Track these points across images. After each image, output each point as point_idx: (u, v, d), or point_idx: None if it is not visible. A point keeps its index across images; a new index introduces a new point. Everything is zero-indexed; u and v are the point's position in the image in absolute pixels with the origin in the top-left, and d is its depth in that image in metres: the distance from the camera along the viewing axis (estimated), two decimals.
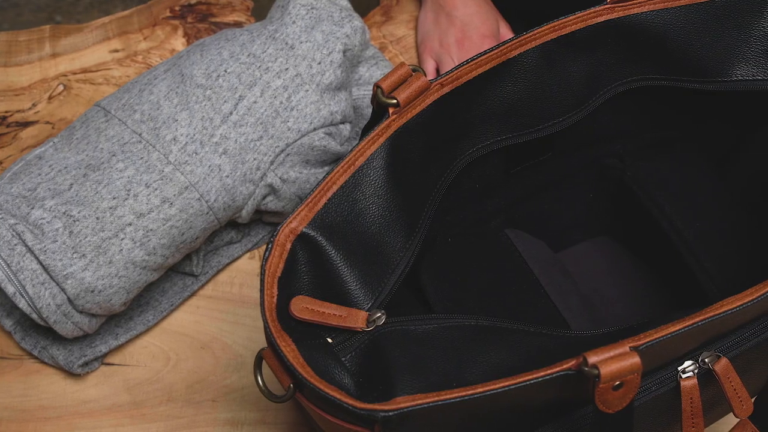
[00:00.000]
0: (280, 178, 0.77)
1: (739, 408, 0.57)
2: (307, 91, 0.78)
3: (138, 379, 0.77)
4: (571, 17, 0.62)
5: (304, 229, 0.53)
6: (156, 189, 0.72)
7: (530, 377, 0.47)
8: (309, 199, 0.53)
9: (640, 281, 0.74)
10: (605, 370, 0.46)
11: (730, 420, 0.72)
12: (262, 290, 0.51)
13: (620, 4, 0.62)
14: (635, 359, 0.47)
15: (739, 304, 0.50)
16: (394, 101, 0.56)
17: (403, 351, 0.51)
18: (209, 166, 0.73)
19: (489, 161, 0.65)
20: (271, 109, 0.76)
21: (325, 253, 0.53)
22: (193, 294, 0.81)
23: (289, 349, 0.49)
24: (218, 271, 0.81)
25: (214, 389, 0.76)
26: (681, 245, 0.70)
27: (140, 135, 0.73)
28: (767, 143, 0.72)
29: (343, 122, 0.79)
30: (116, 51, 0.91)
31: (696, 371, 0.55)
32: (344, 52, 0.80)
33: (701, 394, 0.56)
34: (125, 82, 0.89)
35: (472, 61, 0.59)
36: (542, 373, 0.47)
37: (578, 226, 0.76)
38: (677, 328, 0.49)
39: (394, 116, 0.56)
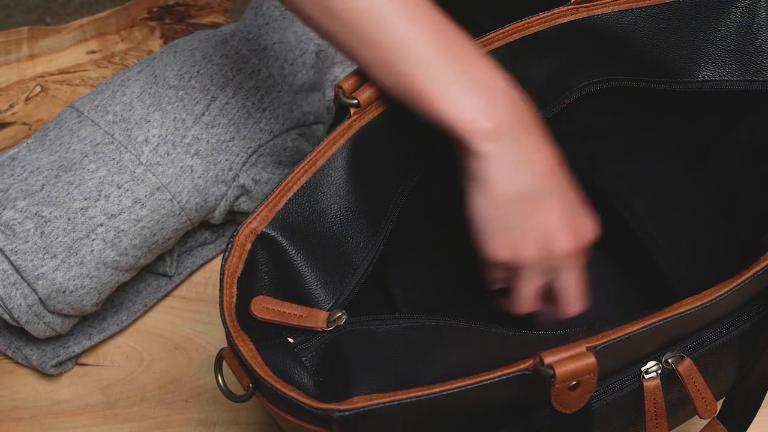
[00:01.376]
0: (252, 179, 0.77)
1: (703, 409, 0.57)
2: (280, 92, 0.78)
3: (111, 379, 0.77)
4: (535, 18, 0.62)
5: (264, 230, 0.53)
6: (127, 190, 0.72)
7: (487, 377, 0.47)
8: (269, 200, 0.53)
9: (608, 281, 0.74)
10: (560, 371, 0.46)
11: (701, 420, 0.72)
12: (221, 290, 0.51)
13: (584, 5, 0.62)
14: (591, 360, 0.47)
15: (697, 304, 0.50)
16: (355, 101, 0.56)
17: (363, 351, 0.51)
18: (181, 167, 0.73)
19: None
20: (243, 110, 0.76)
21: (286, 253, 0.53)
22: (167, 294, 0.81)
23: (247, 348, 0.49)
24: (192, 272, 0.82)
25: (188, 389, 0.76)
26: (650, 245, 0.70)
27: (112, 136, 0.73)
28: (738, 145, 0.72)
29: (316, 123, 0.80)
30: (93, 52, 0.92)
31: (659, 372, 0.55)
32: (317, 53, 0.80)
33: (666, 394, 0.56)
34: (102, 83, 0.89)
35: None
36: (499, 373, 0.47)
37: None
38: (635, 328, 0.49)
39: (356, 116, 0.57)
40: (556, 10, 0.62)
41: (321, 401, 0.48)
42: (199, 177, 0.74)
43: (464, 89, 0.53)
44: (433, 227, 0.70)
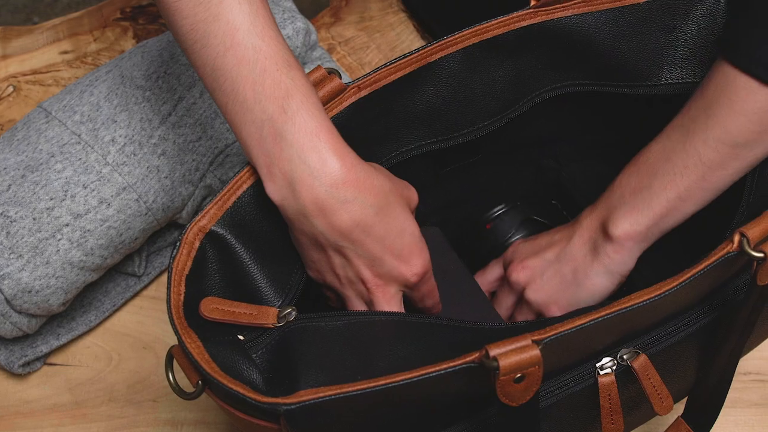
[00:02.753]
0: (219, 179, 0.77)
1: (659, 405, 0.57)
2: None
3: (80, 379, 0.77)
4: (493, 21, 0.61)
5: (213, 227, 0.53)
6: (94, 190, 0.72)
7: (432, 369, 0.47)
8: (218, 198, 0.54)
9: None
10: (504, 363, 0.46)
11: (666, 420, 0.72)
12: (168, 288, 0.51)
13: (543, 9, 0.62)
14: (535, 352, 0.47)
15: (645, 298, 0.50)
16: None
17: (312, 346, 0.52)
18: (147, 167, 0.73)
19: (416, 164, 0.65)
20: (210, 110, 0.76)
21: (235, 251, 0.53)
22: (136, 294, 0.81)
23: (194, 345, 0.49)
24: (161, 272, 0.82)
25: (156, 389, 0.76)
26: None
27: (79, 136, 0.73)
28: None
29: None
30: (66, 53, 0.92)
31: (614, 368, 0.55)
32: (306, 34, 0.80)
33: (622, 391, 0.56)
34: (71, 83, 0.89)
35: (391, 64, 0.60)
36: (445, 366, 0.47)
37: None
38: (582, 322, 0.49)
39: None
40: (515, 14, 0.62)
41: (270, 396, 0.48)
42: (166, 177, 0.74)
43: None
44: None
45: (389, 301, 0.57)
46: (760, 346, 0.77)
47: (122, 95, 0.75)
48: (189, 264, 0.52)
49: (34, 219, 0.70)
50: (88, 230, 0.72)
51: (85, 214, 0.72)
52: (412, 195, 0.59)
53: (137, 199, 0.73)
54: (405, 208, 0.57)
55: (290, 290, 0.54)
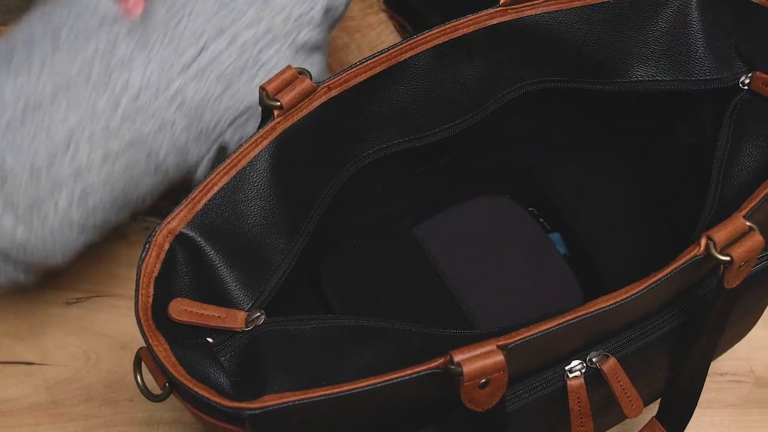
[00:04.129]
0: (236, 141, 0.71)
1: (629, 408, 0.57)
2: (280, 48, 0.71)
3: (57, 378, 0.77)
4: (462, 20, 0.62)
5: (182, 230, 0.53)
6: (99, 142, 0.65)
7: (397, 375, 0.47)
8: (188, 200, 0.54)
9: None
10: (468, 368, 0.46)
11: (640, 421, 0.72)
12: (137, 290, 0.51)
13: (512, 7, 0.62)
14: (499, 358, 0.47)
15: (611, 302, 0.50)
16: (278, 104, 0.56)
17: (279, 351, 0.52)
18: (161, 122, 0.67)
19: (389, 163, 0.65)
20: (237, 63, 0.69)
21: (205, 253, 0.53)
22: (114, 294, 0.81)
23: (161, 348, 0.49)
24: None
25: (132, 388, 0.76)
26: (587, 242, 0.70)
27: (90, 72, 0.66)
28: (677, 145, 0.72)
29: None
30: None
31: (583, 371, 0.55)
32: (327, 11, 0.74)
33: (591, 394, 0.56)
34: None
35: (361, 64, 0.60)
36: (410, 372, 0.47)
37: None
38: (547, 327, 0.49)
39: (279, 119, 0.57)
40: (484, 12, 0.62)
41: (236, 400, 0.48)
42: (180, 133, 0.68)
43: None
44: (370, 225, 0.70)
45: None
46: (736, 347, 0.78)
47: (142, 32, 0.67)
48: (158, 266, 0.52)
49: (32, 174, 0.65)
50: (90, 188, 0.66)
51: (88, 171, 0.65)
52: None
53: (147, 156, 0.67)
54: None
55: (262, 293, 0.54)
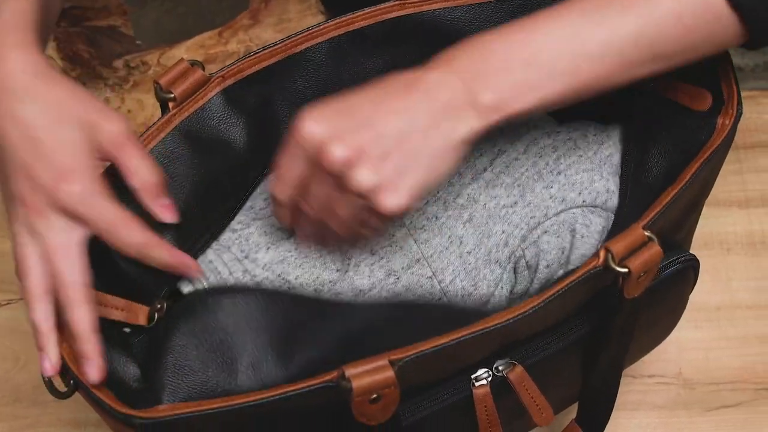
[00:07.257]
0: (527, 261, 0.61)
1: (538, 416, 0.57)
2: (581, 156, 0.63)
3: None
4: (359, 13, 0.61)
5: None
6: (383, 257, 0.59)
7: (290, 389, 0.47)
8: None
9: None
10: (357, 384, 0.46)
11: (562, 423, 0.73)
12: None
13: (410, 1, 0.62)
14: (389, 373, 0.47)
15: (509, 317, 0.50)
16: (171, 95, 0.57)
17: (182, 347, 0.52)
18: (449, 237, 0.59)
19: None
20: (533, 169, 0.62)
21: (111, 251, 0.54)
22: None
23: (65, 345, 0.50)
24: None
25: None
26: None
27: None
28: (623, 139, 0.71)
29: (606, 210, 0.63)
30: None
31: (489, 379, 0.55)
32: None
33: (500, 402, 0.56)
34: None
35: (254, 54, 0.59)
36: (302, 385, 0.47)
37: None
38: (443, 341, 0.49)
39: (175, 111, 0.57)
40: (381, 6, 0.61)
41: (140, 396, 0.49)
42: (469, 252, 0.60)
43: None
44: None
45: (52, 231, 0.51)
46: (664, 347, 0.78)
47: None
48: None
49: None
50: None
51: (369, 290, 0.58)
52: (107, 126, 0.52)
53: (431, 277, 0.59)
54: (83, 130, 0.52)
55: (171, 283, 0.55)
